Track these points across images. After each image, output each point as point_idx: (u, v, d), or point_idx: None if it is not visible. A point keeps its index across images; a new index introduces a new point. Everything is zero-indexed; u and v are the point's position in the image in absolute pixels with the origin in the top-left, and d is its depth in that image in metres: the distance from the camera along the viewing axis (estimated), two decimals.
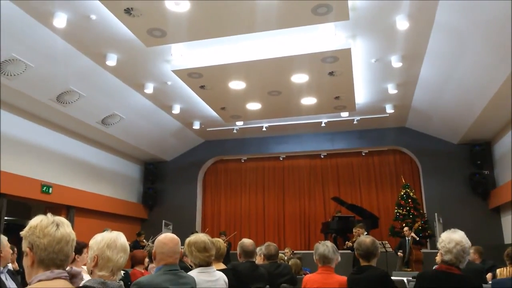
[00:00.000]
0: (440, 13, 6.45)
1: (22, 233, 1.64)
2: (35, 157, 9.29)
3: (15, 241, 1.82)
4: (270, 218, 13.57)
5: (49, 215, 1.67)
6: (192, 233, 3.66)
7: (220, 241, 3.79)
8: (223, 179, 14.18)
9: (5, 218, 8.46)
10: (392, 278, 3.80)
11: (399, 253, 9.38)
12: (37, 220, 1.64)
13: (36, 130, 9.33)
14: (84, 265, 3.58)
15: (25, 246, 1.63)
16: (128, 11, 6.20)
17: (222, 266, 3.62)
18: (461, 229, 2.84)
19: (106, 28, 6.90)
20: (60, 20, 6.45)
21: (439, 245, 2.84)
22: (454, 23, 6.63)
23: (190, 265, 4.13)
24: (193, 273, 2.94)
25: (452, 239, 2.76)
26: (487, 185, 11.00)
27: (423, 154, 12.12)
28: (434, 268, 2.90)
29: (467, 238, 2.79)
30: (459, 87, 8.52)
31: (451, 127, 10.83)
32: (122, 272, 4.32)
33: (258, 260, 4.68)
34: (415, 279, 3.29)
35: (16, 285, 3.69)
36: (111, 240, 2.14)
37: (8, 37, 6.63)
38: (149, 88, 9.09)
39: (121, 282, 2.11)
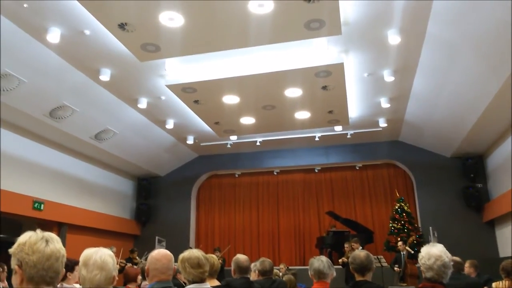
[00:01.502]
0: (432, 26, 6.54)
1: (10, 250, 1.60)
2: (27, 173, 9.19)
3: (5, 258, 1.77)
4: (264, 233, 13.47)
5: (38, 231, 1.63)
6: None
7: (214, 257, 3.73)
8: (217, 194, 14.10)
9: None
10: None
11: (395, 268, 9.33)
12: (26, 237, 1.60)
13: (28, 145, 9.25)
14: (76, 283, 3.52)
15: (14, 264, 1.58)
16: (122, 26, 6.22)
17: (216, 282, 3.56)
18: (456, 243, 2.82)
19: (100, 43, 6.91)
20: (54, 35, 6.45)
21: (419, 262, 2.79)
22: (446, 36, 6.72)
23: (183, 282, 4.07)
24: None
25: (431, 255, 2.68)
26: (480, 198, 11.03)
27: (417, 168, 12.15)
28: (419, 286, 2.85)
29: (446, 252, 2.71)
30: (451, 100, 8.60)
31: (444, 141, 10.90)
32: None
33: (253, 276, 4.62)
34: None
35: None
36: (87, 258, 2.06)
37: (1, 52, 6.61)
38: (143, 103, 9.08)
39: None
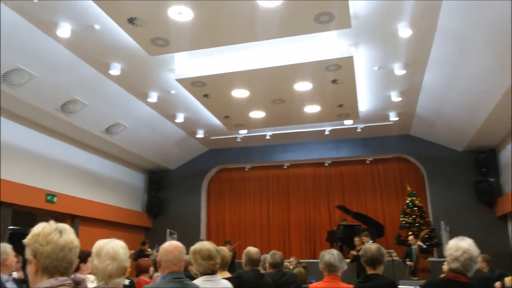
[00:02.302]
0: (443, 19, 6.46)
1: (25, 241, 1.63)
2: (40, 167, 9.31)
3: (20, 250, 1.81)
4: (275, 226, 13.50)
5: (51, 222, 1.65)
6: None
7: (225, 250, 3.76)
8: (227, 188, 14.14)
9: (10, 227, 8.47)
10: (399, 287, 3.75)
11: (407, 262, 9.30)
12: (40, 228, 1.63)
13: (40, 139, 9.36)
14: (89, 273, 3.57)
15: (28, 254, 1.61)
16: (131, 20, 6.24)
17: (227, 274, 3.59)
18: (468, 237, 2.79)
19: (109, 38, 6.94)
20: (64, 30, 6.49)
21: (446, 253, 2.80)
22: (457, 28, 6.63)
23: (195, 273, 4.10)
24: (198, 281, 2.92)
25: (459, 247, 2.70)
26: (493, 192, 10.91)
27: (428, 162, 12.06)
28: (441, 276, 2.85)
29: (475, 246, 2.73)
30: (463, 93, 8.50)
31: (455, 134, 10.79)
32: (127, 281, 4.31)
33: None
34: None
35: None
36: (99, 248, 2.11)
37: (12, 47, 6.69)
38: (153, 97, 9.12)
39: None
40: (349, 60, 7.53)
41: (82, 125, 9.39)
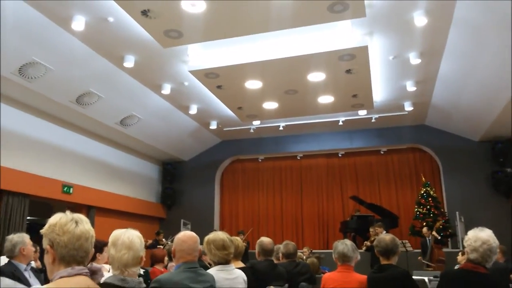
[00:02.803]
0: (459, 8, 6.33)
1: (42, 231, 1.66)
2: (56, 158, 9.46)
3: (38, 240, 1.85)
4: (288, 217, 13.53)
5: (67, 212, 1.68)
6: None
7: (239, 240, 3.79)
8: (240, 179, 14.19)
9: (28, 217, 8.64)
10: (413, 277, 3.73)
11: (419, 258, 9.21)
12: (57, 218, 1.65)
13: (56, 131, 9.49)
14: (105, 263, 3.63)
15: (45, 244, 1.64)
16: (145, 12, 6.25)
17: (241, 264, 3.62)
18: (487, 228, 2.75)
19: (123, 30, 6.97)
20: (79, 23, 6.55)
21: (465, 243, 2.76)
22: (474, 18, 6.49)
23: (209, 263, 4.15)
24: (212, 271, 2.95)
25: (478, 237, 2.67)
26: (510, 183, 10.74)
27: (444, 152, 11.91)
28: (458, 266, 2.83)
29: (495, 237, 2.69)
30: (480, 83, 8.35)
31: (472, 124, 10.62)
32: (142, 270, 4.37)
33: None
34: (437, 278, 3.22)
35: (39, 282, 3.76)
36: (116, 238, 2.15)
37: (28, 41, 6.77)
38: (166, 89, 9.16)
39: (141, 279, 2.12)
40: (363, 50, 7.45)
41: (97, 117, 9.50)
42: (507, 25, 6.21)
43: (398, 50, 7.73)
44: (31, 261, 3.94)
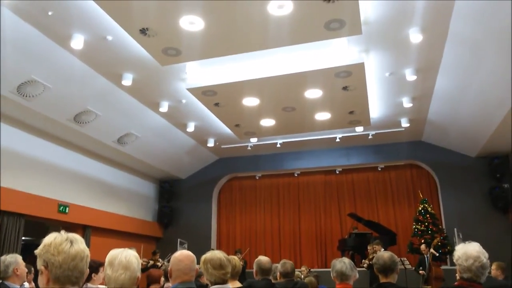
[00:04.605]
0: (454, 23, 6.41)
1: (36, 251, 1.63)
2: (52, 177, 9.39)
3: (33, 260, 1.82)
4: (285, 235, 13.41)
5: (62, 232, 1.66)
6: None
7: (236, 259, 3.73)
8: (238, 197, 14.12)
9: (23, 238, 8.54)
10: None
11: (420, 271, 9.16)
12: (51, 238, 1.63)
13: (53, 149, 9.45)
14: (101, 284, 3.57)
15: (40, 264, 1.61)
16: (143, 31, 6.31)
17: (238, 284, 3.56)
18: (482, 245, 2.70)
19: (122, 48, 7.02)
20: (78, 42, 6.59)
21: (455, 262, 2.73)
22: (469, 33, 6.57)
23: (206, 284, 4.08)
24: None
25: (469, 256, 2.62)
26: (507, 199, 10.72)
27: (441, 168, 11.92)
28: (454, 284, 2.79)
29: (484, 251, 2.65)
30: (476, 98, 8.40)
31: (468, 140, 10.65)
32: None
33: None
34: None
35: None
36: (113, 258, 2.12)
37: (27, 59, 6.80)
38: (164, 107, 9.17)
39: None
40: (360, 67, 7.51)
41: (94, 135, 9.48)
42: (503, 39, 6.29)
43: (394, 66, 7.80)
44: (24, 282, 3.88)
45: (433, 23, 6.41)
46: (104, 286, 2.33)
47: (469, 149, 11.17)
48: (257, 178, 13.98)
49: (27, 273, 4.09)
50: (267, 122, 10.20)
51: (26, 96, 7.43)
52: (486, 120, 9.06)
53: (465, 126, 9.93)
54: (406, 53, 7.31)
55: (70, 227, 9.55)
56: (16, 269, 3.72)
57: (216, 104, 9.03)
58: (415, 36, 6.60)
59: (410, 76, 7.91)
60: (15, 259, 3.75)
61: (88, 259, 1.66)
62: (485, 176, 11.17)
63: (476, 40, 6.65)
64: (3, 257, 3.78)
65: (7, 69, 6.72)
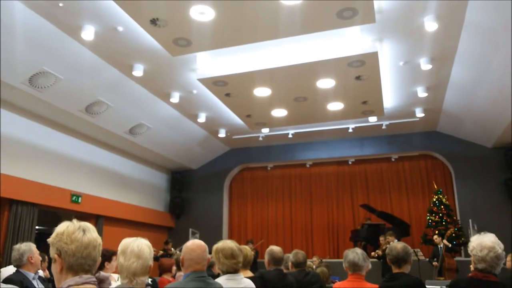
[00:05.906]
0: (470, 12, 6.26)
1: (49, 240, 1.64)
2: (65, 167, 9.49)
3: (46, 249, 1.83)
4: (297, 226, 13.42)
5: (74, 221, 1.67)
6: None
7: (247, 249, 3.73)
8: (249, 187, 14.14)
9: (36, 227, 8.66)
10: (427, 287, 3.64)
11: (434, 263, 9.10)
12: (64, 227, 1.64)
13: (65, 140, 9.54)
14: (114, 272, 3.60)
15: (53, 253, 1.62)
16: (153, 21, 6.28)
17: (250, 273, 3.56)
18: (497, 236, 2.67)
19: (132, 39, 7.01)
20: (88, 33, 6.59)
21: (470, 252, 2.69)
22: (485, 22, 6.42)
23: (218, 273, 4.09)
24: (221, 280, 2.90)
25: (483, 246, 2.59)
26: None
27: (456, 159, 11.76)
28: (468, 275, 2.74)
29: (499, 242, 2.61)
30: (493, 88, 8.23)
31: (484, 130, 10.47)
32: (150, 279, 4.33)
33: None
34: None
35: None
36: (125, 246, 2.14)
37: (38, 51, 6.84)
38: (175, 97, 9.17)
39: None
40: (373, 56, 7.39)
41: (106, 126, 9.53)
42: None
43: (408, 55, 7.67)
44: (38, 269, 3.94)
45: (449, 11, 6.26)
46: (117, 275, 2.34)
47: (485, 139, 10.99)
48: (269, 168, 13.96)
49: (41, 261, 4.15)
50: (279, 113, 10.15)
51: (38, 88, 7.49)
52: (502, 110, 8.88)
53: (481, 116, 9.75)
54: (420, 42, 7.16)
55: (83, 217, 9.64)
56: (31, 257, 3.77)
57: (227, 95, 9.00)
58: (430, 25, 6.45)
59: (425, 65, 7.76)
60: (29, 248, 3.81)
61: (101, 248, 1.67)
62: (501, 167, 10.99)
63: (491, 28, 6.50)
64: (17, 246, 3.85)
65: (18, 61, 6.77)
